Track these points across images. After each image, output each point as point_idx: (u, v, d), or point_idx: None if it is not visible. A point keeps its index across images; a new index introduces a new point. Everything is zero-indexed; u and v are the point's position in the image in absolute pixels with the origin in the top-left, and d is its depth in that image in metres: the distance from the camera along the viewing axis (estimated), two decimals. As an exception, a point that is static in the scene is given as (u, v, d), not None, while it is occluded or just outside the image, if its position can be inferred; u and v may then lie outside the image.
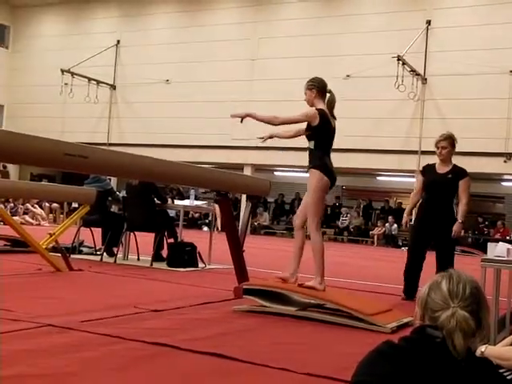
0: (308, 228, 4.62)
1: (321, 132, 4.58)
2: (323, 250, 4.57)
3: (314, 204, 4.53)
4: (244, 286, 4.42)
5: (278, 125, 4.72)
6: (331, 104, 4.71)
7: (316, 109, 4.59)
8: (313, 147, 4.61)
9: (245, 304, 4.30)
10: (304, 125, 4.68)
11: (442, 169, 5.53)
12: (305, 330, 3.79)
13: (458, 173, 5.49)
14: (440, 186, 5.46)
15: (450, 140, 5.51)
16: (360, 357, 1.63)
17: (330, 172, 4.58)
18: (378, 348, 1.59)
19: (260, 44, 18.96)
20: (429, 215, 5.45)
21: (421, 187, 5.63)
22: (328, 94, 4.72)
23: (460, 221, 5.33)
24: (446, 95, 16.34)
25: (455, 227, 5.30)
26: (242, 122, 4.78)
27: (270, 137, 4.92)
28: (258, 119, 4.70)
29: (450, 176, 5.47)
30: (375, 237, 18.33)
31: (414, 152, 16.39)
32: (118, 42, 21.17)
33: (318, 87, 4.68)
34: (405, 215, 5.66)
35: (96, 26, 21.83)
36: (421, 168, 5.79)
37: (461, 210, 5.41)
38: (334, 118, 4.75)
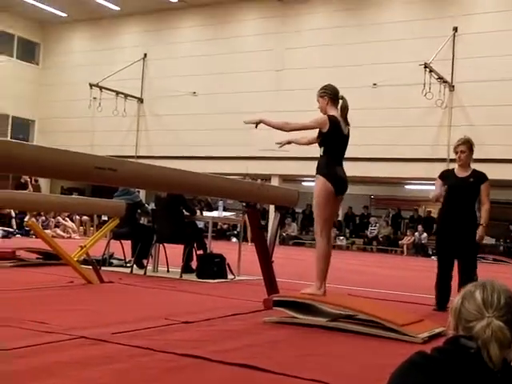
0: (314, 233, 4.65)
1: (330, 138, 4.59)
2: (327, 255, 4.58)
3: (318, 209, 4.57)
4: (274, 298, 4.41)
5: (289, 131, 4.80)
6: (344, 110, 4.70)
7: (327, 115, 4.61)
8: (322, 153, 4.64)
9: (274, 315, 4.29)
10: (316, 132, 4.71)
11: (461, 173, 5.46)
12: (336, 341, 3.76)
13: (479, 177, 5.41)
14: (462, 189, 5.37)
15: (468, 144, 5.46)
16: (392, 368, 1.61)
17: (336, 179, 4.57)
18: (410, 359, 1.58)
19: (285, 55, 19.02)
20: (451, 221, 5.36)
21: (440, 188, 5.56)
22: (340, 101, 4.71)
23: (483, 225, 5.26)
24: (473, 102, 16.17)
25: (479, 231, 5.24)
26: (256, 127, 4.90)
27: (288, 142, 5.01)
28: (269, 125, 4.80)
29: (471, 180, 5.39)
30: (405, 246, 18.15)
31: (443, 160, 16.22)
32: (145, 55, 21.42)
33: (330, 94, 4.70)
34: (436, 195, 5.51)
35: (123, 41, 22.14)
36: (438, 176, 5.69)
37: (483, 214, 5.33)
38: (348, 125, 4.74)
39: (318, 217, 4.57)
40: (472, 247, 5.31)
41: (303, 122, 4.67)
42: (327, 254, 4.59)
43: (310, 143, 4.94)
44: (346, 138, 4.71)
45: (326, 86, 4.78)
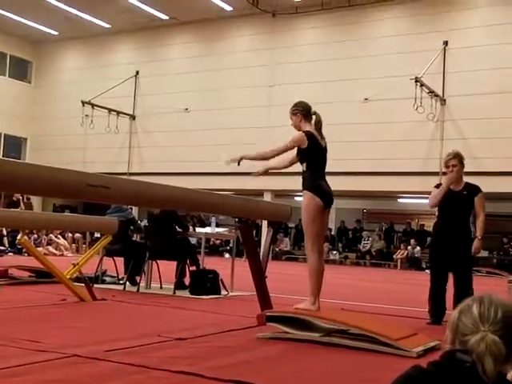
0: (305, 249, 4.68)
1: (310, 153, 4.65)
2: (319, 270, 4.60)
3: (307, 225, 4.60)
4: (267, 313, 4.39)
5: (272, 157, 4.84)
6: (318, 125, 4.77)
7: (303, 131, 4.65)
8: (305, 169, 4.68)
9: (268, 331, 4.28)
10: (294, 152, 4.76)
11: (455, 187, 5.44)
12: (329, 356, 3.75)
13: (473, 189, 5.41)
14: (456, 204, 5.36)
15: (458, 158, 5.47)
16: (387, 382, 1.61)
17: (322, 193, 4.62)
18: (406, 373, 1.57)
19: (277, 70, 19.11)
20: (446, 234, 5.35)
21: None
22: (314, 116, 4.79)
23: (479, 237, 5.23)
24: (465, 115, 16.28)
25: (475, 244, 5.20)
26: (238, 164, 4.96)
27: (266, 171, 5.04)
28: (252, 159, 4.88)
29: (465, 193, 5.39)
30: (398, 260, 18.16)
31: (435, 173, 16.28)
32: (137, 72, 21.47)
33: (303, 111, 4.79)
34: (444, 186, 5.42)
35: (115, 58, 22.21)
36: (435, 186, 5.70)
37: (479, 226, 5.30)
38: (323, 138, 4.80)
39: (308, 232, 4.59)
40: (467, 261, 5.31)
41: (281, 145, 4.71)
42: (319, 269, 4.59)
43: (292, 163, 4.93)
44: (325, 150, 4.78)
45: (297, 103, 4.88)
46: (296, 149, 4.69)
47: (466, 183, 5.48)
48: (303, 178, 4.68)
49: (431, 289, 5.39)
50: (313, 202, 4.55)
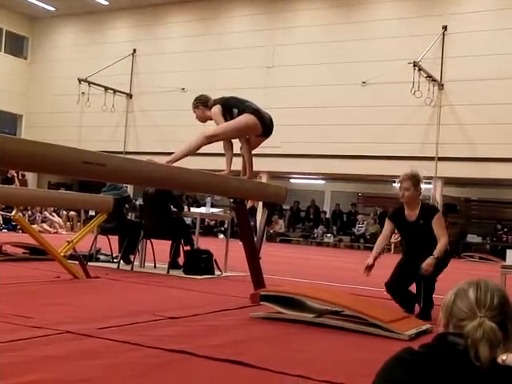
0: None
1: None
2: (192, 146, 4.96)
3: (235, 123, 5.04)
4: (261, 293, 4.41)
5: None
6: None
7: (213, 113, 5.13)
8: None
9: (261, 311, 4.30)
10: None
11: (410, 214, 4.92)
12: (322, 336, 3.77)
13: (428, 214, 4.85)
14: (414, 236, 4.91)
15: (413, 180, 4.92)
16: (378, 364, 1.62)
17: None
18: (397, 355, 1.58)
19: (276, 51, 19.01)
20: (411, 261, 4.84)
21: (389, 234, 5.07)
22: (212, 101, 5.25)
23: (435, 255, 4.61)
24: (462, 101, 16.26)
25: (428, 260, 4.59)
26: None
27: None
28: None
29: (421, 222, 4.85)
30: (392, 244, 18.20)
31: (431, 158, 16.30)
32: (135, 51, 21.32)
33: (203, 102, 5.29)
34: (369, 261, 4.84)
35: (112, 36, 22.03)
36: (388, 216, 5.17)
37: (438, 246, 4.68)
38: None
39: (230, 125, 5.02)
40: (429, 281, 4.76)
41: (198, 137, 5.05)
42: (196, 145, 4.96)
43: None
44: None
45: (197, 97, 5.39)
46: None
47: (421, 207, 4.93)
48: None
49: (388, 281, 4.95)
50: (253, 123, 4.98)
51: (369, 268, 4.85)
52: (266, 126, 5.08)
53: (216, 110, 5.10)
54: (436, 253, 4.64)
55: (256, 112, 5.04)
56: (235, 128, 5.02)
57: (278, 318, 4.14)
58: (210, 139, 4.95)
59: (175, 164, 4.65)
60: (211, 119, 5.19)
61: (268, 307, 4.26)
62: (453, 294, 1.62)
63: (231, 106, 5.11)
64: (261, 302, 4.33)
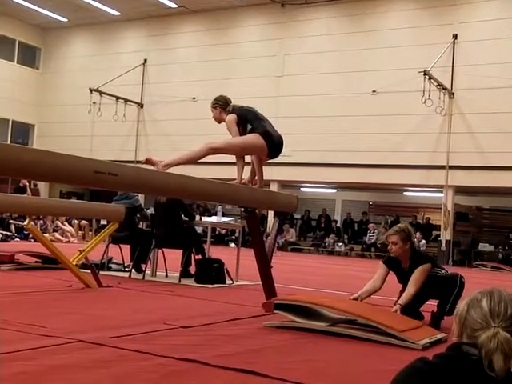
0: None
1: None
2: (195, 154, 4.93)
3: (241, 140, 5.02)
4: (275, 301, 4.40)
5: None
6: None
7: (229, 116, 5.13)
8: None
9: (275, 320, 4.28)
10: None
11: (404, 263, 4.82)
12: (335, 346, 3.75)
13: (417, 265, 4.68)
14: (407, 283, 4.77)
15: (401, 235, 4.74)
16: (392, 373, 1.61)
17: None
18: (411, 364, 1.57)
19: (286, 61, 19.06)
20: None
21: (381, 278, 4.87)
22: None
23: (401, 303, 4.52)
24: (473, 109, 16.21)
25: (393, 309, 4.54)
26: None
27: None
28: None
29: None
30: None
31: (442, 167, 16.25)
32: (145, 60, 21.45)
33: (222, 104, 5.25)
34: (357, 297, 4.73)
35: (124, 46, 22.18)
36: (383, 261, 5.02)
37: (404, 295, 4.58)
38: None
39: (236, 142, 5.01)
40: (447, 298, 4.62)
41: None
42: (198, 154, 4.96)
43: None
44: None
45: (217, 97, 5.35)
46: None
47: (412, 259, 4.77)
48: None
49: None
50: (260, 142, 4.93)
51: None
52: (273, 149, 5.02)
53: (231, 118, 5.08)
54: (401, 302, 4.54)
55: (266, 134, 4.97)
56: (241, 146, 5.02)
57: (291, 327, 4.13)
58: (214, 151, 4.95)
59: (173, 169, 4.60)
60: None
61: (281, 316, 4.25)
62: (466, 304, 1.61)
63: (247, 120, 5.08)
64: (274, 311, 4.32)
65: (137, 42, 22.00)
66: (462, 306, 1.63)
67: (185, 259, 7.34)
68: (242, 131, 5.05)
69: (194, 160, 4.99)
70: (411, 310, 4.64)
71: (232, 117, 5.09)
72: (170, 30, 21.34)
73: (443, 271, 4.85)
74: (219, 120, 5.27)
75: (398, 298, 4.80)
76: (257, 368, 2.88)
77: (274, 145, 5.01)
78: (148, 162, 4.80)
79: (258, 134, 4.96)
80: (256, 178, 5.34)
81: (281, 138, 5.10)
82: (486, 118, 15.98)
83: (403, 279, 4.86)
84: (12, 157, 2.82)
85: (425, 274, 4.64)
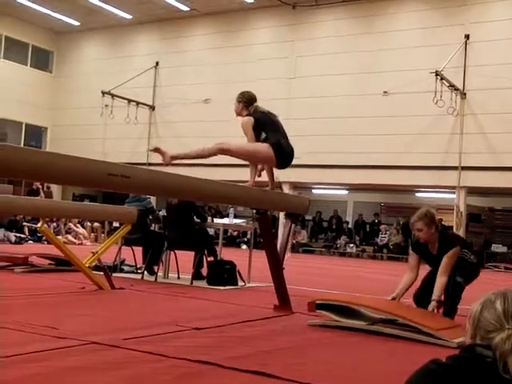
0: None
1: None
2: (204, 151, 4.95)
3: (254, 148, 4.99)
4: (316, 301, 4.48)
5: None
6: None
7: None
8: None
9: (318, 319, 4.42)
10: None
11: (432, 247, 4.83)
12: (355, 346, 3.75)
13: (447, 249, 4.69)
14: (438, 263, 4.76)
15: (425, 220, 4.75)
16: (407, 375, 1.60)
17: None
18: (424, 366, 1.57)
19: (298, 62, 19.04)
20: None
21: (416, 264, 4.88)
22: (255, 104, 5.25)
23: (435, 299, 4.54)
24: (485, 110, 16.11)
25: (430, 307, 4.53)
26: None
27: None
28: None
29: (442, 255, 4.73)
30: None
31: (454, 168, 16.17)
32: (157, 63, 21.51)
33: (244, 102, 5.24)
34: (395, 296, 4.74)
35: (136, 49, 22.25)
36: (411, 248, 5.03)
37: (437, 285, 4.58)
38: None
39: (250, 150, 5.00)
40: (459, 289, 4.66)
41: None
42: (204, 151, 4.97)
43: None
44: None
45: (243, 93, 5.35)
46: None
47: (440, 242, 4.78)
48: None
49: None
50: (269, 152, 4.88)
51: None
52: (281, 161, 5.00)
53: (248, 121, 5.04)
54: (435, 296, 4.54)
55: (277, 146, 4.91)
56: (249, 154, 5.01)
57: (332, 326, 4.25)
58: (223, 152, 4.94)
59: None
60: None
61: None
62: (480, 306, 1.60)
63: (263, 128, 5.00)
64: (317, 311, 4.42)
65: (149, 44, 22.07)
66: (475, 307, 1.62)
67: (197, 261, 7.36)
68: (256, 137, 5.01)
69: (201, 157, 5.01)
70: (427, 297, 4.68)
71: (249, 120, 5.05)
72: (181, 32, 21.38)
73: (472, 256, 4.85)
74: (239, 115, 5.26)
75: (423, 283, 4.85)
76: (270, 370, 2.88)
77: (283, 158, 4.97)
78: (156, 150, 4.84)
79: (269, 144, 4.90)
80: (268, 180, 5.34)
81: (292, 151, 5.04)
82: (498, 118, 15.88)
83: (433, 262, 4.85)
84: (26, 160, 2.84)
85: (454, 258, 4.66)
